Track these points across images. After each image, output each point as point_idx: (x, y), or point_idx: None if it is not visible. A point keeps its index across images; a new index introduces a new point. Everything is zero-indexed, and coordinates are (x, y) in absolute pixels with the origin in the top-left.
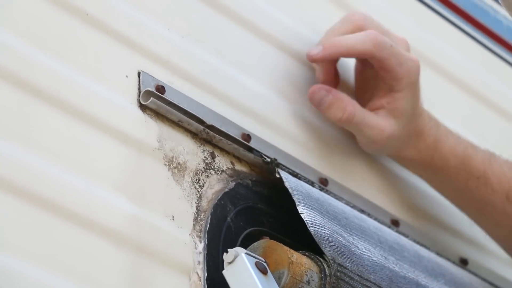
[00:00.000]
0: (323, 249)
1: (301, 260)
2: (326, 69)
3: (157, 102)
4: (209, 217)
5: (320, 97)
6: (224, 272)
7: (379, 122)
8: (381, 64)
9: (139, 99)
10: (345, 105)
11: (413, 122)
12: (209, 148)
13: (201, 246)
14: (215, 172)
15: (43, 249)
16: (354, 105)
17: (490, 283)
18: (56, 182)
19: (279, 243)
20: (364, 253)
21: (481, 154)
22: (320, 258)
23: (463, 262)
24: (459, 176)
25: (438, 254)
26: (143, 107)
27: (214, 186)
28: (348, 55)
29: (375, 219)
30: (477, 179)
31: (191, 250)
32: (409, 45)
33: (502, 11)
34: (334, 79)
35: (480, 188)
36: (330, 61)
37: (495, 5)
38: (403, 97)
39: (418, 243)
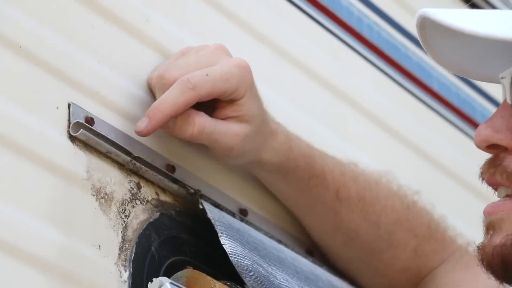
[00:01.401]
0: (244, 279)
1: None
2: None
3: (86, 134)
4: (134, 247)
5: (160, 122)
6: None
7: (231, 127)
8: (211, 96)
9: (69, 131)
10: (193, 118)
11: (264, 122)
12: (135, 179)
13: (126, 275)
14: (141, 203)
15: None
16: (202, 116)
17: None
18: None
19: (202, 273)
20: (282, 283)
21: (318, 153)
22: None
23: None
24: (304, 176)
25: (351, 284)
26: (72, 138)
27: (139, 216)
28: (176, 111)
29: (292, 249)
30: (316, 178)
31: (116, 279)
32: (226, 48)
33: (412, 47)
34: None
35: (318, 186)
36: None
37: (406, 42)
38: (246, 102)
39: (331, 273)
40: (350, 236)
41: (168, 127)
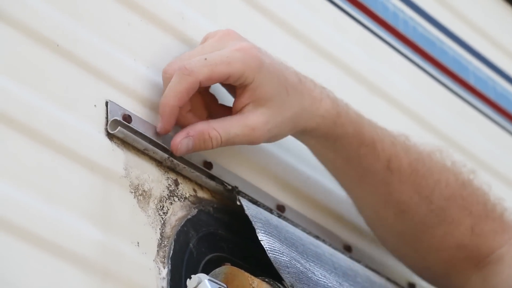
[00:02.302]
0: (282, 275)
1: (262, 286)
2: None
3: (124, 131)
4: (173, 243)
5: (185, 146)
6: None
7: (245, 123)
8: (213, 80)
9: (106, 128)
10: (207, 133)
11: (297, 94)
12: (172, 176)
13: (164, 271)
14: (179, 199)
15: (13, 275)
16: (214, 126)
17: None
18: (25, 209)
19: (240, 269)
20: (320, 279)
21: (367, 121)
22: (279, 284)
23: (411, 286)
24: (353, 143)
25: (387, 279)
26: (110, 136)
27: (177, 213)
28: (182, 101)
29: (329, 244)
30: (366, 147)
31: (155, 275)
32: (235, 31)
33: (448, 41)
34: (203, 107)
35: (368, 155)
36: (185, 96)
37: (441, 36)
38: (258, 85)
39: (369, 268)
40: (401, 209)
41: (189, 151)
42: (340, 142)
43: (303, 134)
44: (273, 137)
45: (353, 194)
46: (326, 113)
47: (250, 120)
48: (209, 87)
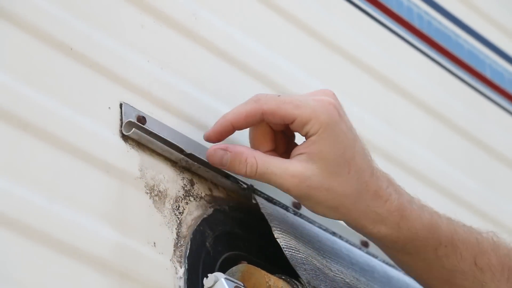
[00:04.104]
0: (298, 273)
1: (278, 284)
2: (258, 132)
3: (138, 133)
4: (189, 243)
5: (220, 157)
6: None
7: (288, 168)
8: (277, 116)
9: (121, 130)
10: (246, 157)
11: (356, 181)
12: (188, 176)
13: (181, 271)
14: (194, 199)
15: (30, 276)
16: (256, 155)
17: None
18: (42, 212)
19: (256, 268)
20: (337, 275)
21: (445, 221)
22: (296, 281)
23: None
24: (428, 246)
25: (405, 274)
26: (125, 138)
27: (193, 213)
28: (237, 121)
29: (346, 241)
30: (445, 248)
31: (172, 275)
32: (333, 93)
33: (463, 35)
34: (271, 143)
35: (449, 256)
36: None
37: (457, 30)
38: (319, 140)
39: (386, 263)
40: None
41: (223, 164)
42: (412, 244)
43: (363, 232)
44: (309, 199)
45: None
46: (388, 214)
47: (294, 166)
48: (293, 135)
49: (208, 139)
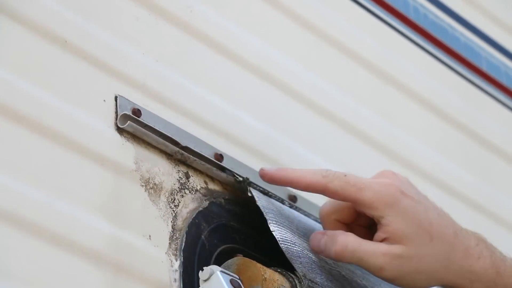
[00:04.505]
0: (294, 266)
1: (274, 277)
2: (331, 224)
3: (133, 125)
4: (184, 236)
5: (318, 241)
6: None
7: (379, 247)
8: (339, 197)
9: (116, 123)
10: (336, 236)
11: (441, 245)
12: (183, 169)
13: (177, 264)
14: (190, 192)
15: (25, 270)
16: (347, 235)
17: None
18: (36, 205)
19: (252, 261)
20: (333, 268)
21: None
22: (291, 274)
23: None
24: None
25: None
26: (120, 130)
27: (189, 205)
28: (297, 185)
29: None
30: None
31: (168, 268)
32: (392, 173)
33: (460, 28)
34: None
35: None
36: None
37: (453, 23)
38: (392, 220)
39: None
40: None
41: (321, 251)
42: None
43: None
44: (404, 277)
45: None
46: (483, 271)
47: (383, 247)
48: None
49: (263, 176)
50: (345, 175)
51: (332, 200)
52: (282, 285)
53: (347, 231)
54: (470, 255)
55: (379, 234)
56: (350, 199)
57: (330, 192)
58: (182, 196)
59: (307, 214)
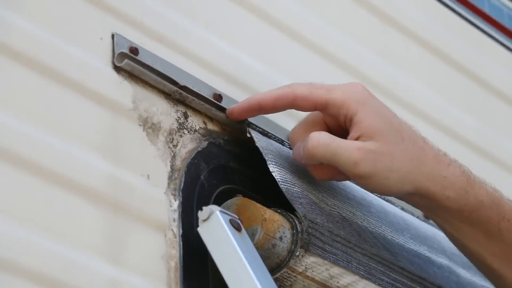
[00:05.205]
0: (294, 206)
1: (274, 217)
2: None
3: (131, 64)
4: (183, 176)
5: (297, 149)
6: (199, 229)
7: (353, 143)
8: (309, 101)
9: (113, 61)
10: (310, 135)
11: (413, 147)
12: (182, 109)
13: (176, 204)
14: (188, 132)
15: (22, 208)
16: (320, 133)
17: None
18: (33, 142)
19: (252, 201)
20: (333, 209)
21: (505, 195)
22: (291, 215)
23: (427, 216)
24: (492, 217)
25: (402, 209)
26: (117, 69)
27: (188, 146)
28: (266, 102)
29: None
30: (508, 222)
31: (166, 208)
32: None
33: None
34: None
35: (510, 231)
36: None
37: None
38: (363, 117)
39: (383, 198)
40: None
41: (300, 156)
42: (477, 214)
43: (428, 198)
44: (376, 174)
45: (501, 273)
46: (454, 178)
47: (356, 143)
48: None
49: (231, 115)
50: (310, 83)
51: (298, 123)
52: (282, 225)
53: None
54: (441, 161)
55: (352, 134)
56: (320, 102)
57: (299, 98)
58: (181, 136)
59: None
